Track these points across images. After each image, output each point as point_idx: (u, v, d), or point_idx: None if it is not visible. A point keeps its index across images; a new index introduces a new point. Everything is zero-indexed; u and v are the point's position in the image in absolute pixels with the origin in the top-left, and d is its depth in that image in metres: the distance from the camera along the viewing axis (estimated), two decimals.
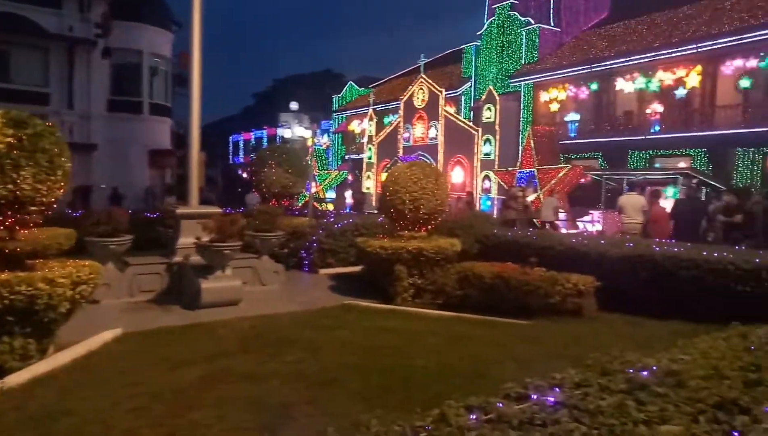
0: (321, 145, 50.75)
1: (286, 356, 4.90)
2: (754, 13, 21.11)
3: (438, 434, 1.64)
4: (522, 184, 21.54)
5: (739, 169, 22.28)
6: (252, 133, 61.57)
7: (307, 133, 19.94)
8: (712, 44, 21.51)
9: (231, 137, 65.30)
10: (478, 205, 23.95)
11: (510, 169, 22.80)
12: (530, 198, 20.88)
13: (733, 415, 1.68)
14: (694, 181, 13.18)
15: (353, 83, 47.37)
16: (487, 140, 25.72)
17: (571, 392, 1.98)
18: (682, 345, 2.68)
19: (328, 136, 51.28)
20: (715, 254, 6.70)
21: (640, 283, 7.33)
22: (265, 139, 58.22)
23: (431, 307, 7.55)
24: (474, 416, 1.76)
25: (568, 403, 1.84)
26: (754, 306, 5.81)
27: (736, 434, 1.51)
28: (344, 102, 47.34)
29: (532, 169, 21.55)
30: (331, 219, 11.00)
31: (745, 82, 21.06)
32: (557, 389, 2.00)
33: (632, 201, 11.24)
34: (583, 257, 7.92)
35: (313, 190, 27.19)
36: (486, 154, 25.81)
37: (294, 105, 17.23)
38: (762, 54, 20.45)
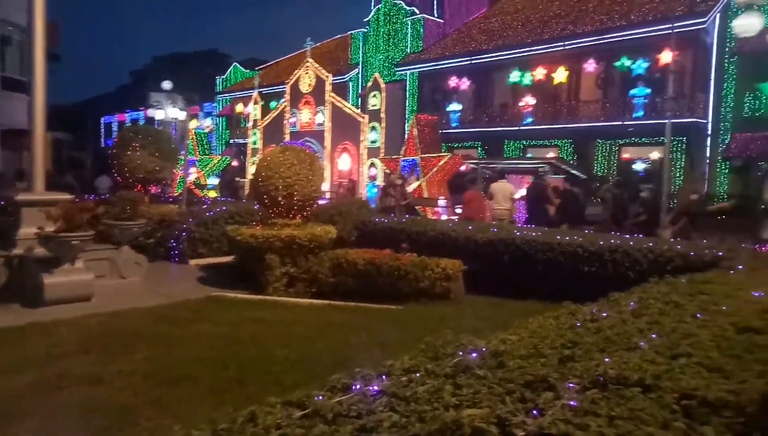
0: (203, 129, 48.34)
1: (136, 354, 4.53)
2: (611, 16, 23.12)
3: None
4: (405, 172, 21.98)
5: (599, 159, 24.48)
6: (127, 114, 57.23)
7: (182, 115, 18.82)
8: (576, 43, 23.29)
9: (103, 118, 60.23)
10: (364, 192, 24.11)
11: (394, 157, 23.17)
12: (413, 186, 21.43)
13: (539, 393, 1.72)
14: (541, 171, 14.14)
15: (238, 65, 45.60)
16: (373, 128, 25.93)
17: (397, 380, 1.94)
18: (516, 325, 2.78)
19: (212, 119, 49.02)
20: (567, 238, 7.23)
21: (503, 266, 7.74)
22: (142, 122, 54.39)
23: (304, 296, 7.42)
24: (293, 414, 1.66)
25: (389, 391, 1.78)
26: (600, 285, 6.30)
27: (535, 412, 1.53)
28: (229, 84, 45.45)
29: (415, 158, 22.04)
30: (204, 206, 10.45)
31: (603, 80, 23.08)
32: (384, 378, 1.95)
33: (502, 188, 11.88)
34: (453, 242, 8.20)
35: (194, 176, 25.81)
36: (372, 142, 25.98)
37: (167, 84, 16.17)
38: (618, 54, 22.49)
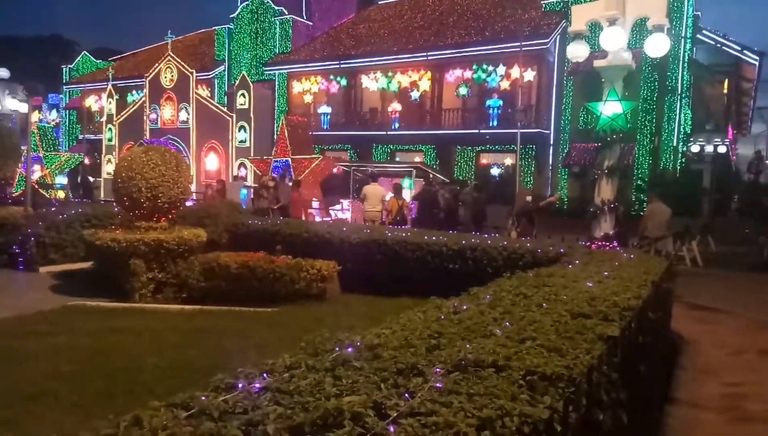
0: (47, 123, 43.55)
1: None
2: (468, 31, 24.88)
3: None
4: (278, 173, 21.76)
5: (459, 164, 26.20)
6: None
7: (23, 107, 16.86)
8: (439, 54, 24.73)
9: None
10: (235, 193, 23.46)
11: (265, 157, 22.80)
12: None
13: (410, 378, 1.93)
14: (431, 175, 15.00)
15: (88, 54, 41.74)
16: (242, 127, 25.30)
17: (280, 376, 2.05)
18: (389, 321, 3.02)
19: (58, 112, 44.44)
20: (434, 238, 7.76)
21: (376, 265, 8.07)
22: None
23: (175, 302, 7.14)
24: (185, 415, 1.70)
25: (272, 387, 1.90)
26: (463, 281, 6.85)
27: (407, 395, 1.73)
28: (78, 74, 41.45)
29: (287, 159, 21.88)
30: (53, 209, 9.54)
31: (462, 90, 24.75)
32: (266, 375, 2.06)
33: (375, 191, 12.31)
34: (328, 243, 8.38)
35: (38, 174, 23.25)
36: (241, 142, 25.36)
37: (3, 72, 14.27)
38: (475, 67, 24.27)
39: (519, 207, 10.56)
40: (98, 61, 40.75)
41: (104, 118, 30.49)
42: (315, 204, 19.66)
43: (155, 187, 7.16)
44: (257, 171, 23.19)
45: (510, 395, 1.86)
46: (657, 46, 6.21)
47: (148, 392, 3.86)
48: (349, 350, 2.32)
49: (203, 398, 1.77)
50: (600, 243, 6.65)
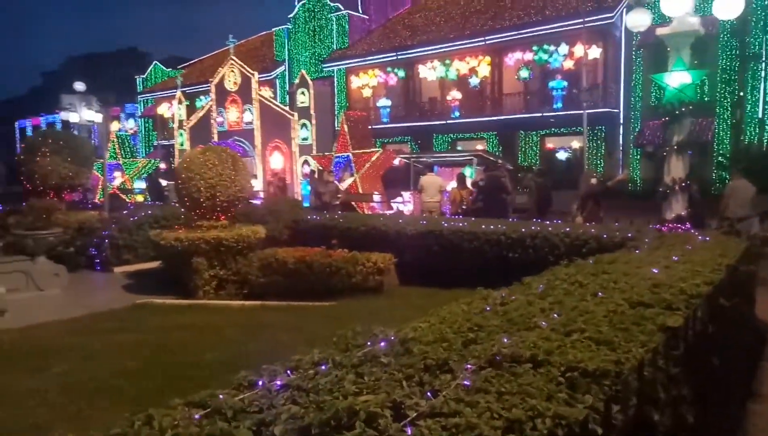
0: (125, 131, 46.20)
1: (52, 369, 4.34)
2: (527, 11, 24.02)
3: None
4: (338, 169, 21.98)
5: (523, 149, 25.44)
6: (42, 118, 53.90)
7: (98, 117, 17.92)
8: (496, 37, 24.05)
9: (17, 123, 56.46)
10: (298, 190, 23.95)
11: (327, 153, 23.10)
12: (347, 182, 21.45)
13: (437, 376, 1.81)
14: (498, 161, 14.61)
15: (159, 63, 43.91)
16: (304, 125, 25.74)
17: (304, 373, 1.99)
18: (431, 313, 2.90)
19: (135, 120, 47.06)
20: (492, 227, 7.51)
21: (433, 256, 7.93)
22: (59, 126, 51.42)
23: (236, 298, 7.32)
24: (199, 414, 1.68)
25: (293, 384, 1.83)
26: (523, 270, 6.60)
27: (429, 394, 1.62)
28: (150, 83, 43.72)
29: (348, 154, 22.05)
30: (125, 212, 10.05)
31: (523, 73, 23.96)
32: (290, 372, 1.99)
33: (432, 181, 12.14)
34: (384, 236, 8.32)
35: (119, 180, 24.71)
36: (303, 139, 25.80)
37: (79, 85, 15.32)
38: (536, 48, 23.42)
39: (584, 190, 10.06)
40: (168, 70, 42.73)
41: (176, 124, 32.00)
42: (377, 197, 19.71)
43: (213, 186, 7.36)
44: (318, 167, 23.56)
45: (546, 393, 1.70)
46: (728, 6, 5.66)
47: (204, 387, 3.94)
48: (382, 344, 2.23)
49: (221, 396, 1.73)
50: (672, 225, 6.18)
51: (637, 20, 6.29)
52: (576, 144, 23.71)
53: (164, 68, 43.27)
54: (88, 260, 9.25)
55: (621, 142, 23.28)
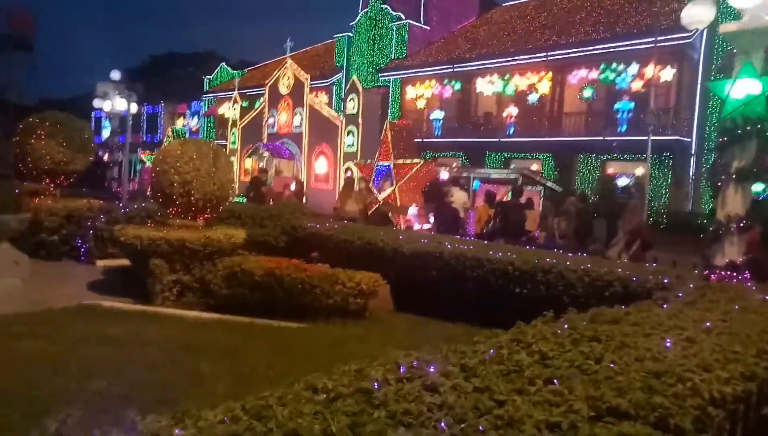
0: (189, 128, 47.48)
1: None
2: (596, 27, 22.36)
3: None
4: (378, 178, 21.09)
5: (581, 173, 23.63)
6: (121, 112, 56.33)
7: (134, 108, 17.88)
8: (560, 54, 22.51)
9: (94, 113, 59.38)
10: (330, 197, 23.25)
11: (369, 161, 22.26)
12: (386, 192, 20.49)
13: None
14: (519, 183, 13.30)
15: (225, 65, 44.86)
16: (350, 132, 25.08)
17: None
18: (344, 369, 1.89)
19: (198, 118, 48.25)
20: (499, 254, 6.29)
21: (432, 281, 6.82)
22: (129, 118, 53.47)
23: (197, 308, 6.46)
24: None
25: None
26: (532, 308, 5.39)
27: None
28: (216, 84, 44.72)
29: (389, 163, 21.12)
30: (121, 203, 9.49)
31: (587, 92, 22.26)
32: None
33: (457, 197, 10.97)
34: (380, 253, 7.29)
35: None
36: (349, 146, 25.16)
37: (115, 74, 15.28)
38: (602, 67, 21.70)
39: (632, 225, 8.59)
40: (234, 72, 43.51)
41: (230, 124, 32.22)
42: (413, 210, 18.62)
43: (188, 182, 6.55)
44: (348, 173, 22.76)
45: None
46: None
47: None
48: None
49: None
50: (722, 274, 4.78)
51: (695, 14, 4.99)
52: (640, 171, 21.71)
53: (230, 70, 44.13)
54: (74, 251, 8.70)
55: (692, 173, 21.11)
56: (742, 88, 4.63)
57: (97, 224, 8.50)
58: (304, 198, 24.68)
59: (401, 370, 2.21)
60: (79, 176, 10.18)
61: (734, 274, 4.69)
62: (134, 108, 17.67)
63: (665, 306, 3.93)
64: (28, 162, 8.75)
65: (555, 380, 2.10)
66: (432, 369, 2.24)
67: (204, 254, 6.48)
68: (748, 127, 4.61)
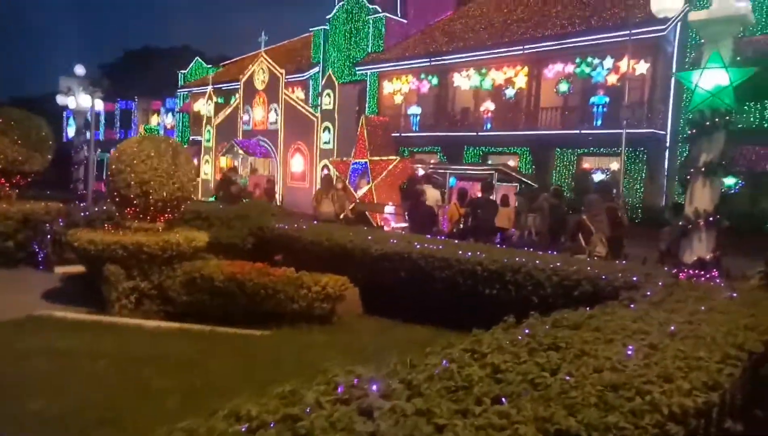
0: (164, 126, 46.68)
1: None
2: (573, 21, 22.36)
3: None
4: (354, 176, 20.92)
5: (558, 168, 23.67)
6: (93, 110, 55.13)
7: (99, 104, 17.34)
8: (536, 47, 22.46)
9: (65, 112, 57.99)
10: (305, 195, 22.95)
11: (345, 158, 22.02)
12: (363, 190, 20.29)
13: None
14: (490, 179, 13.16)
15: (200, 59, 44.06)
16: (327, 128, 24.76)
17: None
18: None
19: (173, 115, 47.41)
20: (468, 254, 6.13)
21: (401, 283, 6.64)
22: (102, 115, 52.45)
23: (158, 316, 6.20)
24: None
25: None
26: (501, 310, 5.24)
27: None
28: (191, 79, 43.92)
29: (365, 160, 20.90)
30: (82, 205, 9.13)
31: (563, 86, 22.27)
32: None
33: (430, 195, 10.80)
34: (349, 254, 7.08)
35: None
36: (325, 143, 24.84)
37: (80, 69, 14.75)
38: (578, 60, 21.72)
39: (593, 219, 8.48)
40: (209, 67, 42.79)
41: (204, 120, 31.64)
42: (390, 208, 18.45)
43: (146, 181, 6.26)
44: (338, 173, 22.48)
45: None
46: None
47: None
48: None
49: None
50: (690, 272, 4.68)
51: (664, 3, 4.86)
52: (615, 166, 21.81)
53: (205, 65, 43.41)
54: (31, 257, 8.35)
55: (666, 167, 21.26)
56: (710, 78, 4.52)
57: (55, 227, 8.14)
58: (279, 197, 24.39)
59: (339, 390, 2.03)
60: (43, 177, 9.81)
61: (701, 272, 4.59)
62: (99, 104, 17.15)
63: (632, 306, 3.80)
64: None
65: (504, 399, 1.93)
66: (373, 388, 2.06)
67: (163, 258, 6.20)
68: (716, 120, 4.50)
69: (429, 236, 7.89)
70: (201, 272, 5.98)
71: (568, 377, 2.16)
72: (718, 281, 4.55)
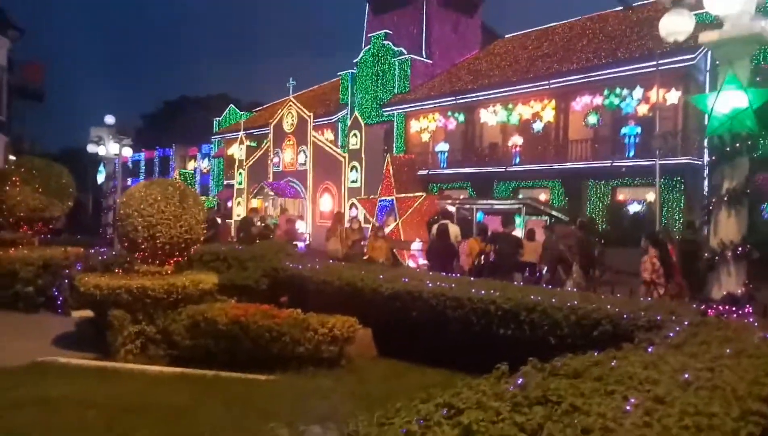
0: (201, 171, 48.02)
1: None
2: (598, 54, 22.13)
3: None
4: (382, 213, 20.84)
5: (591, 200, 23.03)
6: (129, 157, 57.33)
7: (127, 151, 17.88)
8: (562, 81, 22.24)
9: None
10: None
11: (371, 197, 22.01)
12: (391, 227, 20.12)
13: None
14: (513, 210, 12.81)
15: (234, 106, 45.47)
16: (354, 167, 24.93)
17: None
18: None
19: (209, 160, 48.78)
20: (482, 292, 5.82)
21: (413, 323, 6.36)
22: (142, 162, 54.43)
23: (164, 361, 6.06)
24: None
25: None
26: (516, 351, 4.90)
27: None
28: (225, 125, 45.29)
29: (392, 198, 20.82)
30: (103, 250, 9.22)
31: (592, 119, 21.88)
32: None
33: (450, 231, 10.49)
34: (359, 294, 6.86)
35: None
36: (353, 182, 24.97)
37: (110, 118, 15.30)
38: (606, 92, 21.37)
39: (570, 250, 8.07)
40: (242, 113, 44.07)
41: (236, 164, 32.37)
42: (417, 245, 18.19)
43: (153, 225, 6.23)
44: (365, 212, 22.42)
45: None
46: None
47: None
48: None
49: None
50: (719, 308, 4.26)
51: (672, 25, 4.60)
52: (651, 196, 21.08)
53: (238, 111, 44.71)
54: (51, 302, 8.41)
55: (706, 196, 20.40)
56: (727, 101, 4.20)
57: (72, 272, 8.20)
58: (307, 237, 24.46)
59: None
60: (74, 223, 10.02)
61: (732, 308, 4.17)
62: (128, 151, 17.69)
63: (650, 350, 3.43)
64: (3, 210, 8.56)
65: None
66: None
67: (168, 302, 6.10)
68: (737, 145, 4.15)
69: (445, 275, 7.60)
70: (204, 315, 5.84)
71: None
72: (750, 318, 4.12)
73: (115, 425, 4.12)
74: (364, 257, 14.45)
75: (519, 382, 2.59)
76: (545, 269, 9.55)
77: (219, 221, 27.49)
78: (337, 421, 2.09)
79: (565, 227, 8.09)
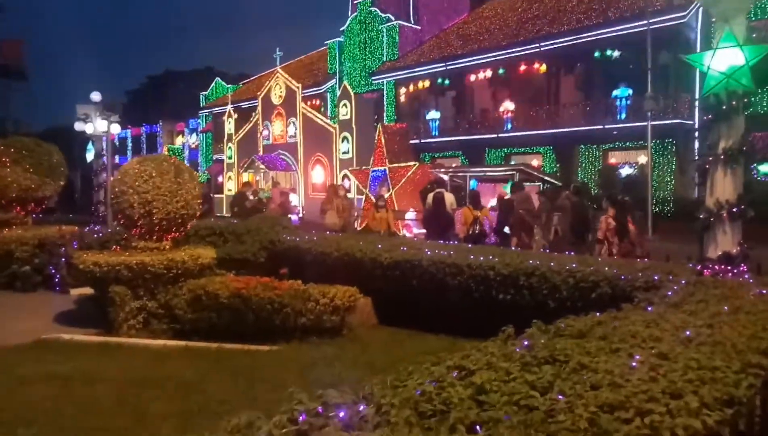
0: (189, 146, 47.52)
1: None
2: (588, 14, 21.87)
3: None
4: (374, 184, 20.77)
5: (583, 165, 23.09)
6: (115, 135, 56.56)
7: (115, 128, 17.60)
8: (553, 43, 22.02)
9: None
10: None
11: (364, 168, 21.90)
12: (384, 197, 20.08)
13: None
14: (516, 178, 12.83)
15: (220, 80, 44.75)
16: (345, 138, 24.73)
17: None
18: None
19: (197, 135, 48.19)
20: (481, 258, 5.87)
21: (413, 291, 6.43)
22: (129, 139, 53.70)
23: (166, 335, 6.11)
24: None
25: None
26: (516, 316, 4.98)
27: None
28: (212, 99, 44.63)
29: (384, 168, 20.74)
30: (97, 227, 9.18)
31: (583, 81, 21.76)
32: None
33: (445, 198, 10.51)
34: (359, 264, 6.90)
35: None
36: (344, 153, 24.81)
37: (96, 95, 14.96)
38: (597, 54, 21.19)
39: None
40: (229, 86, 43.40)
41: (225, 138, 32.03)
42: (411, 214, 18.23)
43: (149, 201, 6.21)
44: (358, 183, 22.36)
45: None
46: None
47: None
48: None
49: None
50: (716, 268, 4.34)
51: None
52: (643, 159, 21.16)
53: (225, 85, 44.01)
54: (48, 280, 8.41)
55: (697, 157, 20.50)
56: (723, 59, 4.20)
57: (69, 250, 8.18)
58: (300, 208, 24.41)
59: (301, 418, 1.84)
60: (71, 201, 9.94)
61: (728, 267, 4.25)
62: (116, 128, 17.42)
63: (649, 309, 3.50)
64: None
65: (478, 426, 1.70)
66: (341, 415, 1.86)
67: (168, 277, 6.12)
68: (734, 103, 4.17)
69: (443, 242, 7.65)
70: (206, 289, 5.87)
71: (561, 396, 1.92)
72: (746, 276, 4.20)
73: (127, 399, 4.18)
74: (360, 227, 14.47)
75: (525, 343, 2.64)
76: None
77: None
78: (348, 386, 2.12)
79: (523, 193, 8.44)
